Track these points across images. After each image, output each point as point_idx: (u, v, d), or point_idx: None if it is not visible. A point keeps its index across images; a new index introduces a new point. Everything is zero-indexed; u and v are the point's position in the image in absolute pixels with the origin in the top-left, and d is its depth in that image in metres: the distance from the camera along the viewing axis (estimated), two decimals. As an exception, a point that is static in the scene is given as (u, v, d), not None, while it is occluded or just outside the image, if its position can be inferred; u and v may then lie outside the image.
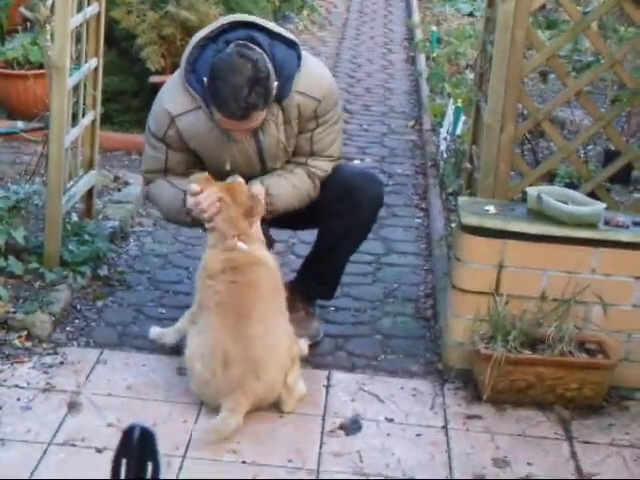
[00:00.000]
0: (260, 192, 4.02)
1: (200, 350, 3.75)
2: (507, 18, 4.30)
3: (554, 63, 4.58)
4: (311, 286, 4.46)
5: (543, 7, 6.59)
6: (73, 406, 3.79)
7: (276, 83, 3.92)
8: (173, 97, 4.06)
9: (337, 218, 4.22)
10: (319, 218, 4.29)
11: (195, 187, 3.90)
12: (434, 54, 9.64)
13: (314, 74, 4.09)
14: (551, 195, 4.14)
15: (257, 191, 4.01)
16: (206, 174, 4.02)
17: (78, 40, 4.90)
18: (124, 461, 1.51)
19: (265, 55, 3.92)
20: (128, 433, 1.51)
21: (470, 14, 11.61)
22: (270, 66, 3.90)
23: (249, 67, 3.81)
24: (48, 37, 4.94)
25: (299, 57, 4.06)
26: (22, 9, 5.32)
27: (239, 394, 3.65)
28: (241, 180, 4.01)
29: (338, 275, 4.53)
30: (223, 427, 3.60)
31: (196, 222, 4.02)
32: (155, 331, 4.22)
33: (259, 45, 3.95)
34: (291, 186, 4.13)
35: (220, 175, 4.09)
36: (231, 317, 3.73)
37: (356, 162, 6.90)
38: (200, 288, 3.91)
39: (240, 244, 3.89)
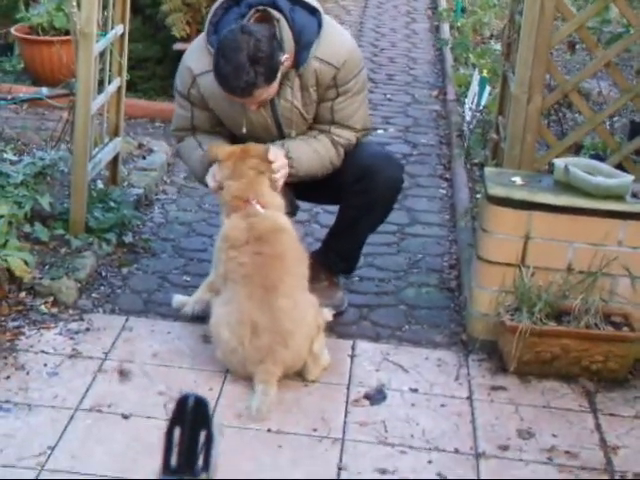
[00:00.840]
0: (278, 155, 4.01)
1: (227, 319, 3.76)
2: (537, -13, 4.27)
3: (583, 34, 4.54)
4: (332, 260, 4.45)
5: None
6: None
7: (285, 56, 3.91)
8: (196, 56, 4.09)
9: (356, 198, 4.20)
10: (339, 195, 4.28)
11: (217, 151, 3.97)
12: (458, 23, 9.57)
13: (334, 41, 4.06)
14: (578, 167, 4.12)
15: (275, 154, 4.00)
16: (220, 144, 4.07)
17: (104, 7, 4.89)
18: (177, 429, 1.51)
19: (285, 21, 3.94)
20: (182, 402, 1.52)
21: (494, -17, 11.50)
22: (284, 38, 3.91)
23: (251, 45, 3.80)
24: (74, 3, 4.94)
25: (320, 24, 4.04)
26: (48, -25, 5.31)
27: (269, 364, 3.67)
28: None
29: (357, 252, 4.53)
30: (265, 403, 3.61)
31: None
32: (177, 299, 4.23)
33: (280, 10, 3.96)
34: (312, 151, 4.11)
35: (240, 138, 4.13)
36: (258, 289, 3.74)
37: (380, 132, 6.89)
38: (222, 260, 3.91)
39: (259, 207, 3.90)
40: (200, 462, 1.55)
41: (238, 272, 3.81)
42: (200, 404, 1.54)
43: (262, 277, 3.76)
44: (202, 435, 1.55)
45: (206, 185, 4.18)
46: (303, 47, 4.00)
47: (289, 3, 4.03)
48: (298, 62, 4.01)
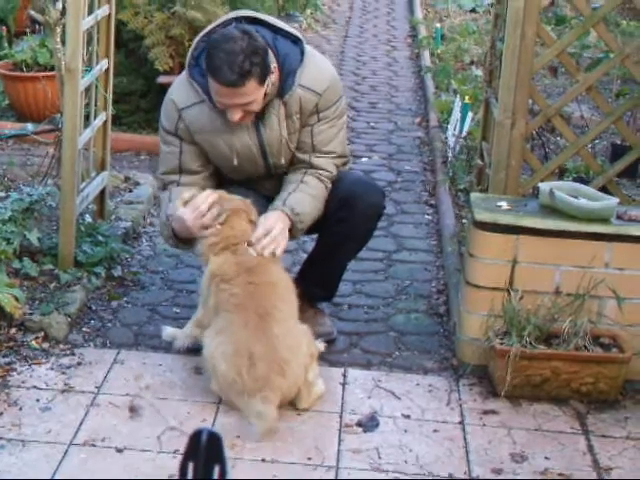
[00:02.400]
0: (270, 224, 4.00)
1: (221, 349, 3.76)
2: (517, 14, 4.32)
3: (564, 59, 4.59)
4: (311, 289, 4.43)
5: (552, 3, 6.62)
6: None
7: (274, 65, 3.95)
8: (180, 91, 4.13)
9: (337, 225, 4.21)
10: (320, 224, 4.28)
11: (187, 194, 3.98)
12: (438, 50, 9.65)
13: (316, 69, 4.11)
14: (562, 190, 4.16)
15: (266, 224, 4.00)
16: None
17: (89, 42, 4.92)
18: (191, 464, 1.52)
19: (268, 49, 3.97)
20: (195, 436, 1.53)
21: (472, 10, 11.62)
22: (270, 52, 3.95)
23: (246, 38, 3.86)
24: (58, 39, 4.98)
25: (302, 52, 4.09)
26: (32, 12, 5.37)
27: (267, 391, 3.67)
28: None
29: (337, 279, 4.54)
30: (266, 424, 3.61)
31: (182, 242, 4.12)
32: (167, 332, 4.24)
33: (263, 39, 3.98)
34: (310, 197, 4.13)
35: (225, 176, 4.18)
36: (253, 317, 3.75)
37: (364, 160, 6.93)
38: (212, 293, 3.91)
39: (251, 250, 3.92)
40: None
41: (231, 302, 3.82)
42: (214, 439, 1.54)
43: (256, 305, 3.77)
44: (216, 470, 1.55)
45: (172, 243, 4.21)
46: (287, 75, 4.04)
47: (271, 33, 4.08)
48: (283, 90, 4.04)
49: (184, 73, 4.15)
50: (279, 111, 4.07)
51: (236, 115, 3.97)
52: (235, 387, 3.72)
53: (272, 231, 3.95)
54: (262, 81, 3.91)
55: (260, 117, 4.08)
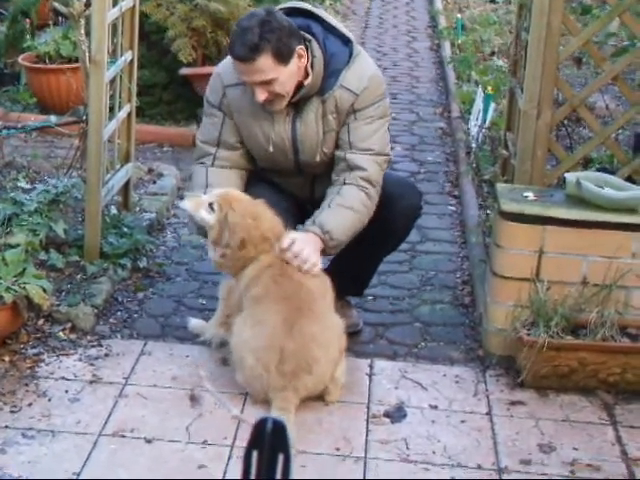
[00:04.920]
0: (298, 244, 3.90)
1: (253, 343, 3.74)
2: (543, 4, 4.31)
3: (590, 48, 4.58)
4: (341, 282, 4.41)
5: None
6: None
7: (301, 47, 3.91)
8: (226, 70, 4.11)
9: (373, 224, 4.13)
10: None
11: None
12: (459, 41, 9.62)
13: (359, 70, 4.05)
14: (589, 180, 4.14)
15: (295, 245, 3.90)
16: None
17: (114, 34, 4.93)
18: (255, 453, 1.53)
19: (316, 44, 3.97)
20: (260, 425, 1.53)
21: (492, 1, 11.57)
22: (315, 61, 3.95)
23: (265, 16, 3.86)
24: (82, 31, 4.98)
25: (351, 54, 4.05)
26: (56, 4, 5.36)
27: (290, 391, 3.67)
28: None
29: (370, 277, 4.54)
30: None
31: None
32: (193, 323, 4.25)
33: (313, 35, 3.99)
34: (344, 211, 4.01)
35: (261, 158, 4.16)
36: (292, 314, 3.73)
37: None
38: (250, 286, 3.87)
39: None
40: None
41: (269, 295, 3.79)
42: (278, 428, 1.54)
43: (297, 300, 3.76)
44: (280, 459, 1.55)
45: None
46: (331, 74, 4.01)
47: (323, 30, 4.06)
48: (324, 88, 4.02)
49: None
50: (317, 109, 4.05)
51: (261, 95, 3.93)
52: (260, 381, 3.72)
53: (301, 253, 3.86)
54: (280, 59, 3.86)
55: (298, 112, 4.06)
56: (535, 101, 4.44)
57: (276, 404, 3.67)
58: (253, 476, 1.54)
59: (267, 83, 3.90)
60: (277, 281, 3.81)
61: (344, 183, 4.06)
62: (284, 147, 4.12)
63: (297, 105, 4.05)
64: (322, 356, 3.74)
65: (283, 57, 3.87)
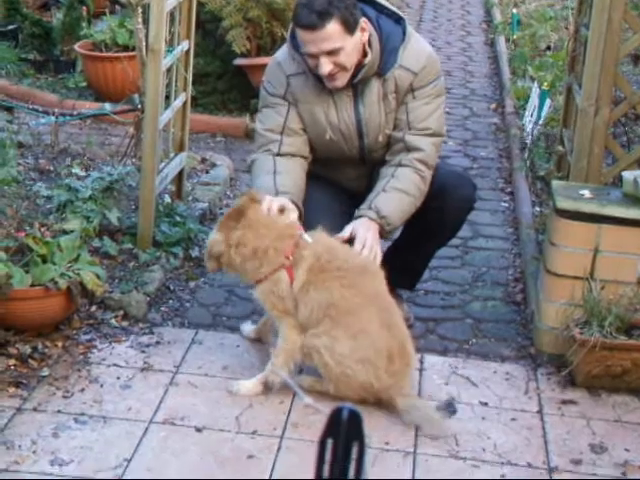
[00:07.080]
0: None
1: (359, 354, 3.66)
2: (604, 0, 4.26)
3: (651, 45, 4.53)
4: (393, 274, 4.40)
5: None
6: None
7: (364, 19, 3.91)
8: (285, 59, 4.12)
9: (427, 215, 4.13)
10: None
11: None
12: (514, 36, 9.55)
13: (416, 48, 4.07)
14: (647, 180, 4.10)
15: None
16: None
17: (171, 23, 4.94)
18: (329, 441, 1.53)
19: (371, 26, 3.96)
20: (335, 414, 1.53)
21: (549, -4, 11.47)
22: (372, 42, 3.95)
23: None
24: (140, 20, 5.00)
25: (404, 32, 4.07)
26: (113, -8, 5.39)
27: (407, 388, 3.75)
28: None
29: (422, 269, 4.52)
30: (436, 415, 3.64)
31: None
32: (246, 329, 4.23)
33: (367, 17, 3.98)
34: (400, 194, 4.02)
35: (321, 147, 4.14)
36: (382, 314, 3.71)
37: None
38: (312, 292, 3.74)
39: (305, 236, 3.77)
40: (352, 475, 1.56)
41: (351, 302, 3.69)
42: (354, 417, 1.54)
43: (380, 301, 3.74)
44: (355, 448, 1.55)
45: None
46: (390, 53, 4.02)
47: (375, 11, 4.07)
48: (384, 69, 4.03)
49: (285, 46, 4.16)
50: (378, 90, 4.06)
51: (326, 66, 3.90)
52: (369, 389, 3.70)
53: (367, 242, 3.89)
54: (347, 28, 3.86)
55: (359, 96, 4.06)
56: (593, 98, 4.40)
57: (401, 401, 3.68)
58: (327, 464, 1.54)
59: (333, 53, 3.89)
60: (346, 285, 3.70)
61: (399, 164, 4.07)
62: (349, 133, 4.12)
63: (357, 89, 4.05)
64: (409, 345, 3.78)
65: (350, 26, 3.87)
